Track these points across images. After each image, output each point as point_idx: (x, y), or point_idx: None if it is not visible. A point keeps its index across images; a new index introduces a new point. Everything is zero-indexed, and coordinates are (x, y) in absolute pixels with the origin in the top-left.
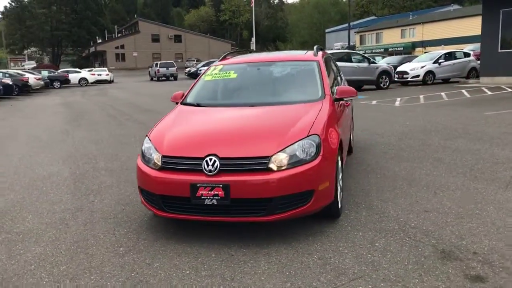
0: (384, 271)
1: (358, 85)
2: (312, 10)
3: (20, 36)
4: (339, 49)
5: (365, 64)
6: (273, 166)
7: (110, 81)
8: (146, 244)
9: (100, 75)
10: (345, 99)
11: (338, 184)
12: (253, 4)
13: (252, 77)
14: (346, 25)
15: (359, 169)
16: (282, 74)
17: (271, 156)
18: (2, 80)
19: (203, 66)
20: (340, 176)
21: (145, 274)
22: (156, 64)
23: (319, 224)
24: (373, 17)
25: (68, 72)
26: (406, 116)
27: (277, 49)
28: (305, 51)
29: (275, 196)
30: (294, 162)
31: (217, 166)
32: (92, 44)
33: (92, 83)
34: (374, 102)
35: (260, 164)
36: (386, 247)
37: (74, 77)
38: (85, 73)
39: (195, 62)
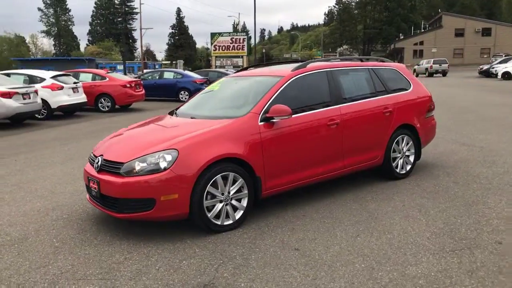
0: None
1: None
2: None
3: (339, 35)
4: None
5: None
6: (123, 171)
7: None
8: (84, 220)
9: None
10: (276, 118)
11: (220, 201)
12: None
13: (223, 91)
14: None
15: (366, 199)
16: (248, 88)
17: (125, 163)
18: None
19: (500, 62)
20: (232, 193)
21: (44, 241)
22: (429, 61)
23: (200, 234)
24: None
25: None
26: None
27: None
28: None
29: (121, 197)
30: (147, 171)
31: (99, 165)
32: (397, 40)
33: None
34: None
35: (117, 169)
36: (183, 269)
37: None
38: None
39: (503, 57)
